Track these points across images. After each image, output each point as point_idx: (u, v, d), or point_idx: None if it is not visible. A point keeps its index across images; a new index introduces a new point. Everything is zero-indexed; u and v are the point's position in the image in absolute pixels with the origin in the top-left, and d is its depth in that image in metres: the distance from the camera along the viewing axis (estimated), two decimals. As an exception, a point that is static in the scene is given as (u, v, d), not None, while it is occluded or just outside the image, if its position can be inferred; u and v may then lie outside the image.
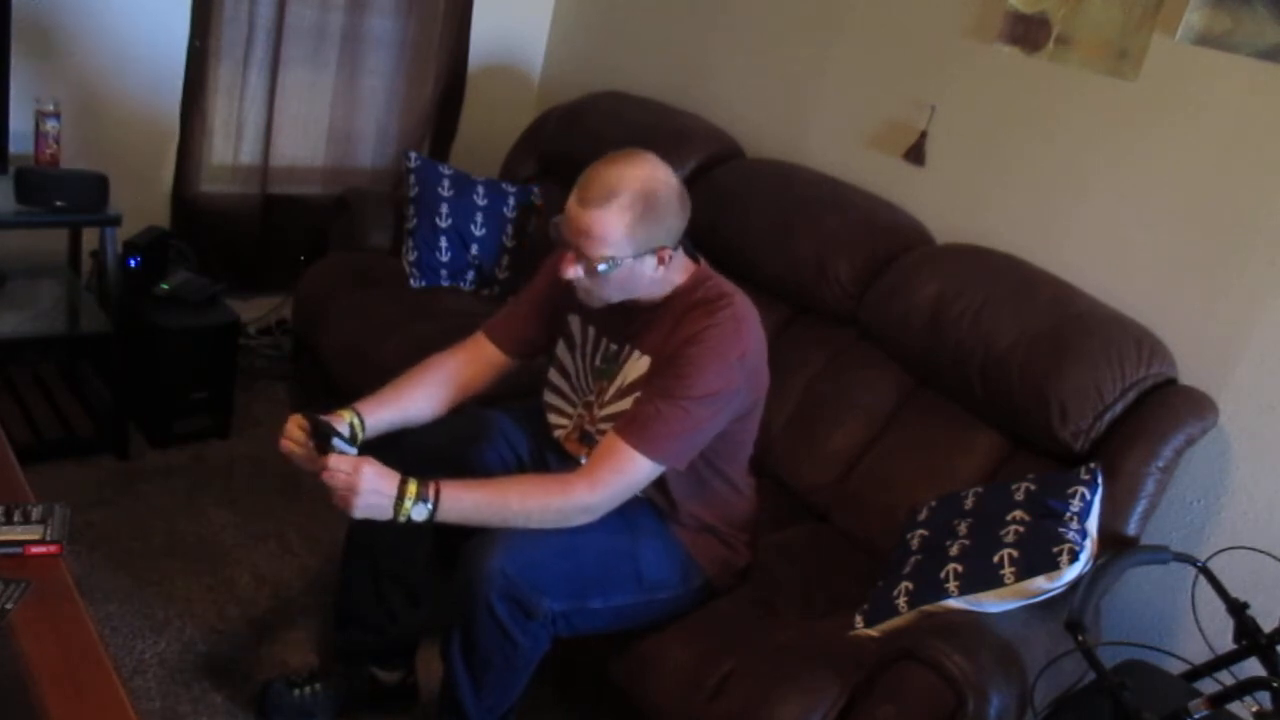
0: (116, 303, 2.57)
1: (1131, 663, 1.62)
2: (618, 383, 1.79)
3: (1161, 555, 1.69)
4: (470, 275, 2.93)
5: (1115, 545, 1.80)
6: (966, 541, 1.77)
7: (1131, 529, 1.86)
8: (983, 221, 2.39)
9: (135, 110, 2.87)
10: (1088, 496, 1.75)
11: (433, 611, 1.92)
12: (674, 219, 1.66)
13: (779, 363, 1.91)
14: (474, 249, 2.92)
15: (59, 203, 2.43)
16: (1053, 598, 1.65)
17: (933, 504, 1.96)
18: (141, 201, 2.85)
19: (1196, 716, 1.35)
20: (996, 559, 1.69)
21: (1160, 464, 1.88)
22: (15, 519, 1.49)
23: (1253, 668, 1.44)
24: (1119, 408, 1.94)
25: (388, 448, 1.72)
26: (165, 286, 2.72)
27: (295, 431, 1.66)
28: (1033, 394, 1.98)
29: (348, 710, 1.98)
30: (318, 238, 3.11)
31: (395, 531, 1.61)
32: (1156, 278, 2.10)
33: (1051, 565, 1.63)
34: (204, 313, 2.72)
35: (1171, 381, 2.00)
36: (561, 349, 1.91)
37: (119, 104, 2.83)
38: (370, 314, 2.66)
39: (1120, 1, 2.12)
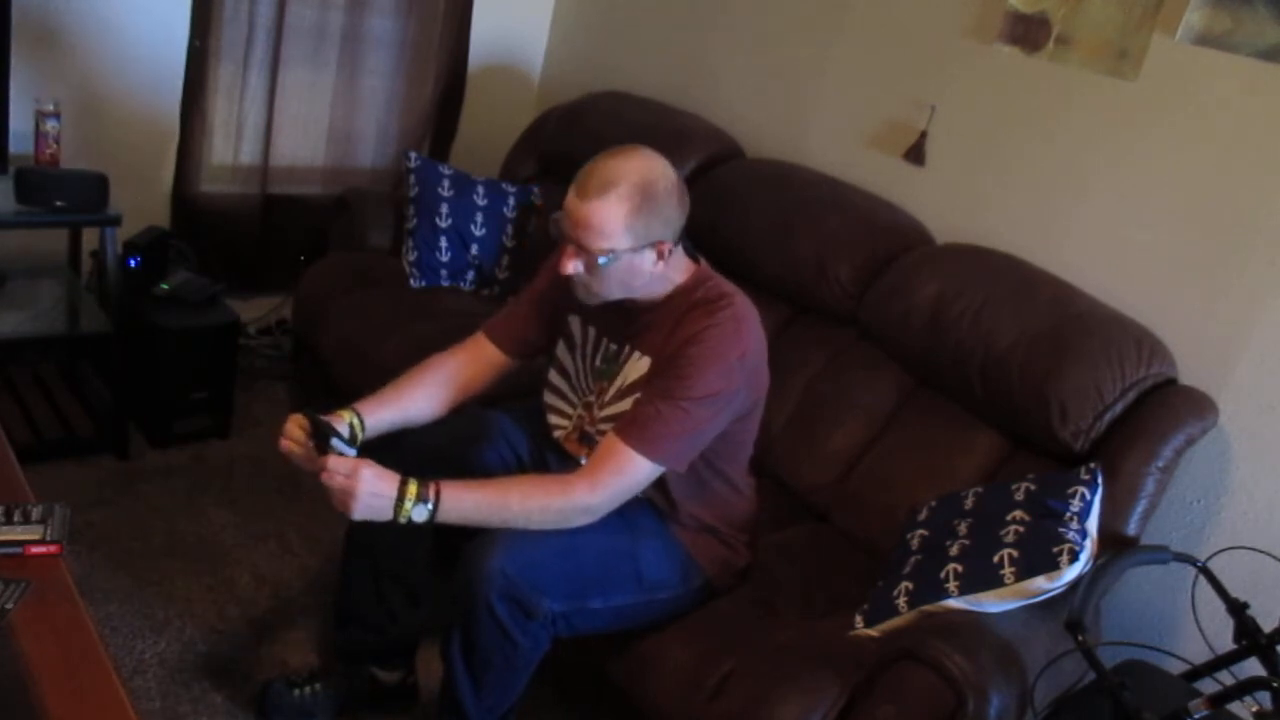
0: (116, 303, 2.57)
1: (1131, 663, 1.62)
2: (618, 383, 1.79)
3: (1161, 555, 1.69)
4: (470, 275, 2.93)
5: (1115, 545, 1.80)
6: (966, 541, 1.77)
7: (1131, 529, 1.86)
8: (983, 221, 2.39)
9: (135, 110, 2.87)
10: (1088, 496, 1.75)
11: (433, 611, 1.92)
12: (673, 211, 1.66)
13: (779, 363, 1.91)
14: (474, 249, 2.92)
15: (59, 203, 2.43)
16: (1053, 598, 1.65)
17: (933, 504, 1.96)
18: (141, 201, 2.85)
19: (1196, 716, 1.35)
20: (996, 559, 1.69)
21: (1160, 464, 1.88)
22: (15, 519, 1.49)
23: (1253, 668, 1.44)
24: (1119, 408, 1.94)
25: (388, 448, 1.72)
26: (165, 286, 2.72)
27: (295, 431, 1.66)
28: (1033, 394, 1.98)
29: (348, 710, 1.98)
30: (318, 238, 3.11)
31: (395, 531, 1.61)
32: (1156, 278, 2.10)
33: (1051, 565, 1.63)
34: (204, 313, 2.72)
35: (1171, 381, 2.00)
36: (561, 349, 1.91)
37: (119, 104, 2.83)
38: (370, 314, 2.66)
39: (1120, 1, 2.12)
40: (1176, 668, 1.66)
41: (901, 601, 1.73)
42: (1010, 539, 1.72)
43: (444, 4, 3.26)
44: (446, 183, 2.90)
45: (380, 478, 1.55)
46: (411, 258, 2.88)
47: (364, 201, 3.06)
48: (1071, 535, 1.66)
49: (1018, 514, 1.77)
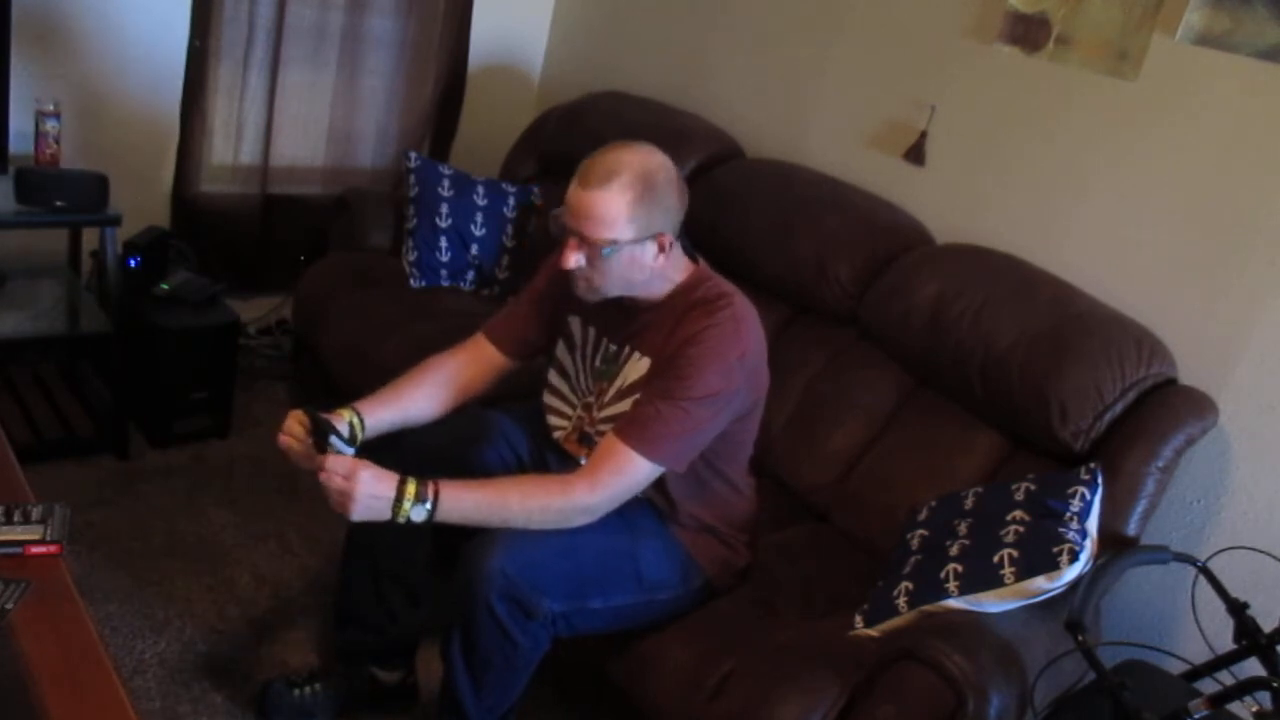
0: (116, 303, 2.57)
1: (1131, 663, 1.62)
2: (617, 384, 1.79)
3: (1161, 555, 1.69)
4: (470, 275, 2.93)
5: (1115, 545, 1.80)
6: (966, 541, 1.77)
7: (1131, 529, 1.86)
8: (983, 221, 2.39)
9: (135, 110, 2.87)
10: (1088, 496, 1.75)
11: (433, 611, 1.92)
12: (673, 202, 1.67)
13: (779, 363, 1.91)
14: (474, 249, 2.92)
15: (59, 203, 2.43)
16: (1053, 598, 1.65)
17: (933, 504, 1.96)
18: (141, 201, 2.85)
19: (1196, 716, 1.35)
20: (996, 559, 1.69)
21: (1160, 464, 1.88)
22: (15, 519, 1.49)
23: (1253, 668, 1.44)
24: (1119, 408, 1.94)
25: (388, 448, 1.72)
26: (165, 286, 2.72)
27: (294, 427, 1.66)
28: (1033, 394, 1.97)
29: (348, 710, 1.98)
30: (318, 238, 3.11)
31: (395, 532, 1.61)
32: (1156, 278, 2.10)
33: (1051, 565, 1.63)
34: (204, 313, 2.72)
35: (1171, 381, 2.00)
36: (561, 350, 1.91)
37: (119, 104, 2.83)
38: (370, 314, 2.66)
39: (1120, 1, 2.12)
40: (1176, 668, 1.66)
41: (901, 601, 1.73)
42: (1010, 539, 1.72)
43: (444, 4, 3.26)
44: (446, 183, 2.90)
45: (378, 479, 1.55)
46: (411, 258, 2.88)
47: (364, 201, 3.06)
48: (1071, 535, 1.66)
49: (1018, 514, 1.77)
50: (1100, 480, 1.80)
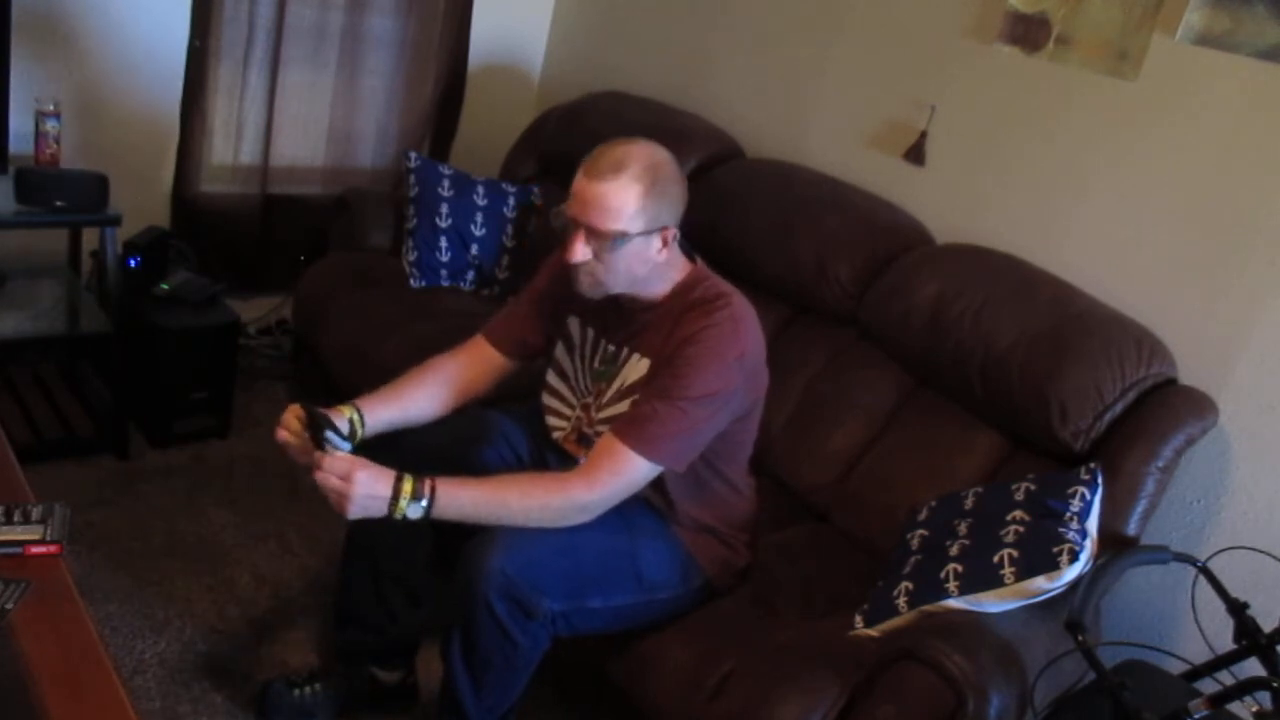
0: (116, 303, 2.57)
1: (1131, 663, 1.62)
2: (616, 385, 1.79)
3: (1161, 555, 1.69)
4: (470, 275, 2.93)
5: (1115, 545, 1.80)
6: (966, 541, 1.77)
7: (1131, 529, 1.86)
8: (983, 221, 2.39)
9: (135, 110, 2.87)
10: (1088, 496, 1.75)
11: (433, 612, 1.92)
12: (678, 195, 1.68)
13: (779, 363, 1.91)
14: (474, 249, 2.92)
15: (59, 203, 2.43)
16: (1053, 598, 1.65)
17: (933, 504, 1.96)
18: (141, 201, 2.85)
19: (1196, 716, 1.35)
20: (996, 559, 1.69)
21: (1160, 464, 1.88)
22: (15, 519, 1.49)
23: (1253, 668, 1.44)
24: (1119, 408, 1.94)
25: (387, 448, 1.72)
26: (165, 286, 2.72)
27: (291, 422, 1.67)
28: (1033, 394, 1.97)
29: (348, 710, 1.98)
30: (318, 238, 3.11)
31: (396, 532, 1.61)
32: (1156, 278, 2.10)
33: (1051, 565, 1.63)
34: (204, 313, 2.72)
35: (1171, 381, 2.00)
36: (560, 351, 1.91)
37: (119, 104, 2.83)
38: (370, 314, 2.66)
39: (1120, 1, 2.12)
40: (1176, 668, 1.66)
41: (901, 601, 1.73)
42: (1010, 539, 1.72)
43: (444, 4, 3.26)
44: (446, 183, 2.90)
45: (375, 478, 1.56)
46: (411, 258, 2.88)
47: (364, 201, 3.06)
48: (1071, 535, 1.66)
49: (1018, 514, 1.77)
50: (1100, 480, 1.80)
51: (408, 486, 1.56)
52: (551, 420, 1.92)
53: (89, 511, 2.39)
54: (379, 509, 1.56)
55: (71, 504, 1.57)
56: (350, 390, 1.90)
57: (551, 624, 1.67)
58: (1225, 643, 1.54)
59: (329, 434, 1.60)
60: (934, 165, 2.50)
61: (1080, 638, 1.44)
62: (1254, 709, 1.35)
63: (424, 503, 1.57)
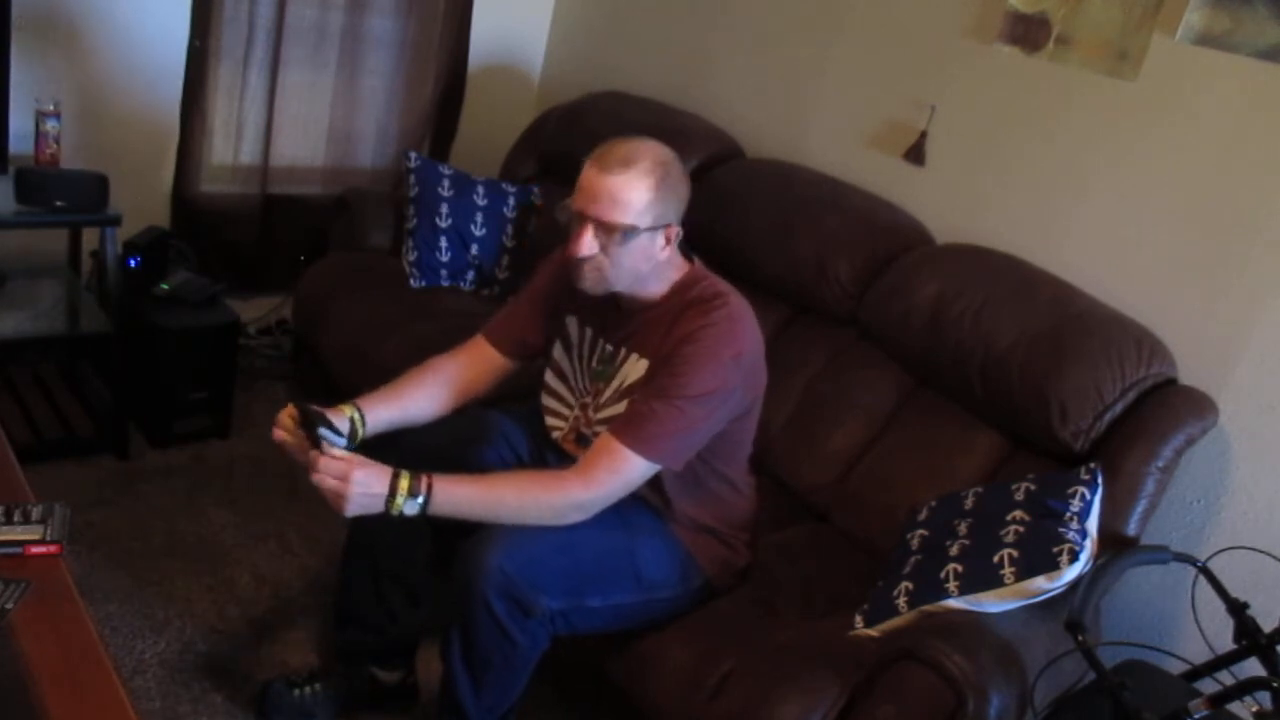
0: (116, 303, 2.57)
1: (1131, 663, 1.62)
2: (615, 385, 1.79)
3: (1161, 555, 1.69)
4: (470, 275, 2.93)
5: (1115, 545, 1.80)
6: (966, 541, 1.77)
7: (1131, 529, 1.86)
8: (983, 221, 2.39)
9: (135, 110, 2.87)
10: (1088, 496, 1.75)
11: (433, 611, 1.92)
12: (684, 194, 1.70)
13: (779, 362, 1.91)
14: (474, 249, 2.92)
15: (59, 203, 2.43)
16: (1053, 598, 1.65)
17: (933, 504, 1.96)
18: (141, 201, 2.85)
19: (1196, 716, 1.35)
20: (996, 559, 1.69)
21: (1160, 464, 1.88)
22: (15, 519, 1.49)
23: (1253, 668, 1.44)
24: (1119, 408, 1.94)
25: (386, 447, 1.72)
26: (165, 286, 2.72)
27: (286, 421, 1.67)
28: (1033, 394, 1.97)
29: (348, 710, 1.98)
30: (318, 238, 3.11)
31: (396, 532, 1.61)
32: (1156, 278, 2.10)
33: (1051, 565, 1.63)
34: (204, 313, 2.72)
35: (1171, 381, 2.00)
36: (558, 350, 1.91)
37: (119, 104, 2.83)
38: (370, 314, 2.66)
39: (1120, 1, 2.12)
40: (1176, 668, 1.65)
41: (901, 601, 1.73)
42: (1010, 539, 1.72)
43: (444, 4, 3.26)
44: (446, 183, 2.90)
45: (371, 475, 1.56)
46: (411, 258, 2.88)
47: (364, 201, 3.06)
48: (1071, 535, 1.66)
49: (1018, 514, 1.77)
50: (1100, 480, 1.80)
51: (404, 483, 1.56)
52: (550, 420, 1.92)
53: (89, 511, 2.39)
54: (376, 506, 1.56)
55: (71, 504, 1.57)
56: (350, 390, 1.90)
57: (550, 623, 1.67)
58: (1225, 643, 1.54)
59: (323, 430, 1.60)
60: (934, 165, 2.50)
61: (1080, 638, 1.44)
62: (1254, 709, 1.35)
63: (420, 499, 1.57)
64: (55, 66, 2.70)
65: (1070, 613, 1.48)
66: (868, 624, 1.76)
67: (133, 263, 2.70)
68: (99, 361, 2.79)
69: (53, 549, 1.46)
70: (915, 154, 2.51)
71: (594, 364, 1.84)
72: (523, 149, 3.25)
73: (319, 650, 2.14)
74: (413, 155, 2.95)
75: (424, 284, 2.87)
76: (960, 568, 1.71)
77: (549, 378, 1.93)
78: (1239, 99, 1.98)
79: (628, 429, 1.65)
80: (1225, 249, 2.00)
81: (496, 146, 3.33)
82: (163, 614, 2.15)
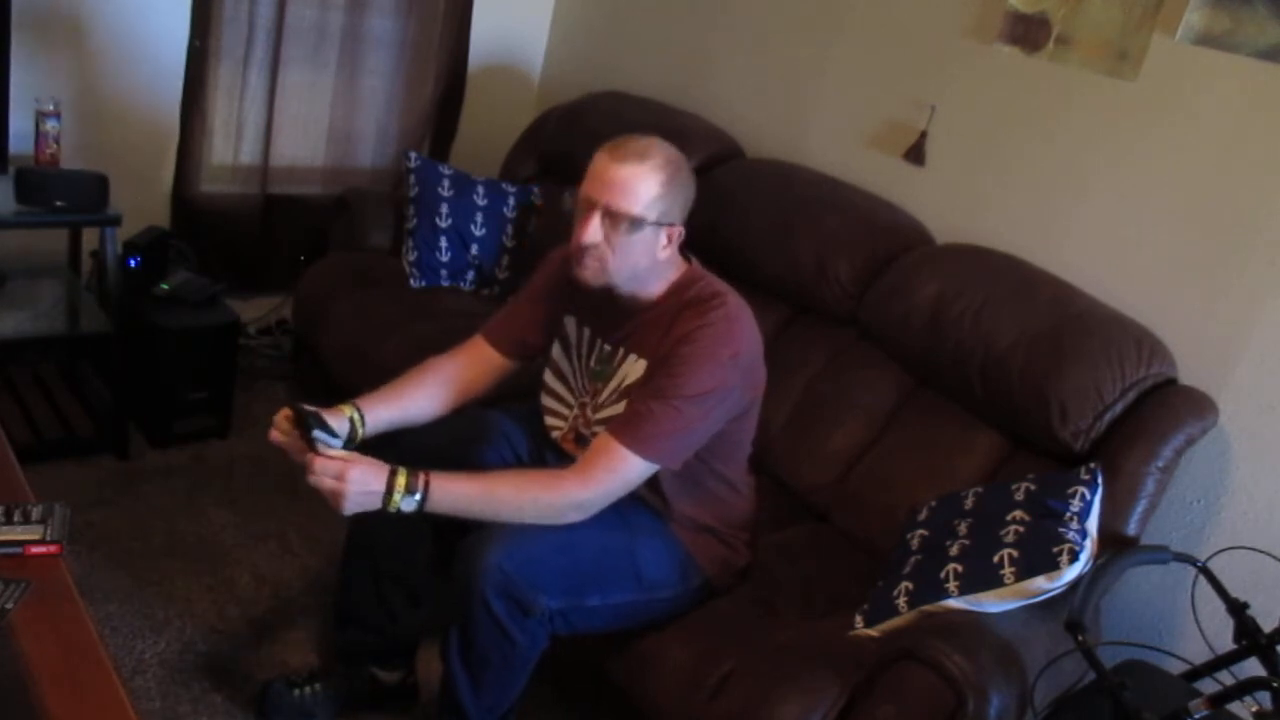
0: (116, 303, 2.57)
1: (1131, 663, 1.62)
2: (614, 385, 1.79)
3: (1161, 555, 1.69)
4: (470, 275, 2.93)
5: (1115, 545, 1.80)
6: (966, 541, 1.77)
7: (1131, 529, 1.86)
8: (983, 221, 2.39)
9: (135, 110, 2.87)
10: (1088, 496, 1.75)
11: (433, 611, 1.92)
12: (690, 196, 1.71)
13: (778, 362, 1.91)
14: (474, 249, 2.92)
15: (59, 203, 2.43)
16: (1053, 598, 1.65)
17: (933, 504, 1.96)
18: (141, 201, 2.85)
19: (1196, 716, 1.35)
20: (996, 559, 1.69)
21: (1160, 464, 1.88)
22: (15, 519, 1.49)
23: (1253, 668, 1.44)
24: (1119, 408, 1.94)
25: (386, 447, 1.72)
26: (165, 286, 2.72)
27: (281, 422, 1.68)
28: (1033, 394, 1.97)
29: (348, 710, 1.98)
30: (318, 238, 3.11)
31: (396, 532, 1.61)
32: (1156, 278, 2.10)
33: (1051, 565, 1.63)
34: (204, 313, 2.72)
35: (1171, 381, 2.00)
36: (557, 350, 1.91)
37: (119, 104, 2.83)
38: (370, 314, 2.66)
39: (1120, 1, 2.12)
40: (1176, 668, 1.65)
41: (901, 601, 1.73)
42: (1010, 539, 1.72)
43: (444, 4, 3.26)
44: (446, 183, 2.90)
45: (368, 473, 1.56)
46: (411, 258, 2.88)
47: (364, 201, 3.06)
48: (1071, 535, 1.66)
49: (1018, 514, 1.77)
50: (1100, 480, 1.80)
51: (401, 480, 1.56)
52: (549, 420, 1.92)
53: (89, 511, 2.39)
54: (373, 503, 1.56)
55: (71, 504, 1.57)
56: (350, 390, 1.90)
57: (549, 622, 1.67)
58: (1225, 643, 1.54)
59: (316, 431, 1.60)
60: (934, 165, 2.50)
61: (1080, 638, 1.44)
62: (1254, 709, 1.35)
63: (418, 496, 1.57)
64: (55, 66, 2.70)
65: (1070, 613, 1.48)
66: (868, 624, 1.76)
67: (133, 263, 2.70)
68: (99, 361, 2.79)
69: (53, 549, 1.46)
70: (915, 154, 2.51)
71: (592, 364, 1.84)
72: (523, 149, 3.25)
73: (319, 650, 2.14)
74: (413, 155, 2.95)
75: (424, 284, 2.87)
76: (960, 568, 1.71)
77: (548, 377, 1.93)
78: (1239, 99, 1.98)
79: (626, 429, 1.65)
80: (1225, 249, 2.00)
81: (496, 146, 3.33)
82: (163, 614, 2.15)
